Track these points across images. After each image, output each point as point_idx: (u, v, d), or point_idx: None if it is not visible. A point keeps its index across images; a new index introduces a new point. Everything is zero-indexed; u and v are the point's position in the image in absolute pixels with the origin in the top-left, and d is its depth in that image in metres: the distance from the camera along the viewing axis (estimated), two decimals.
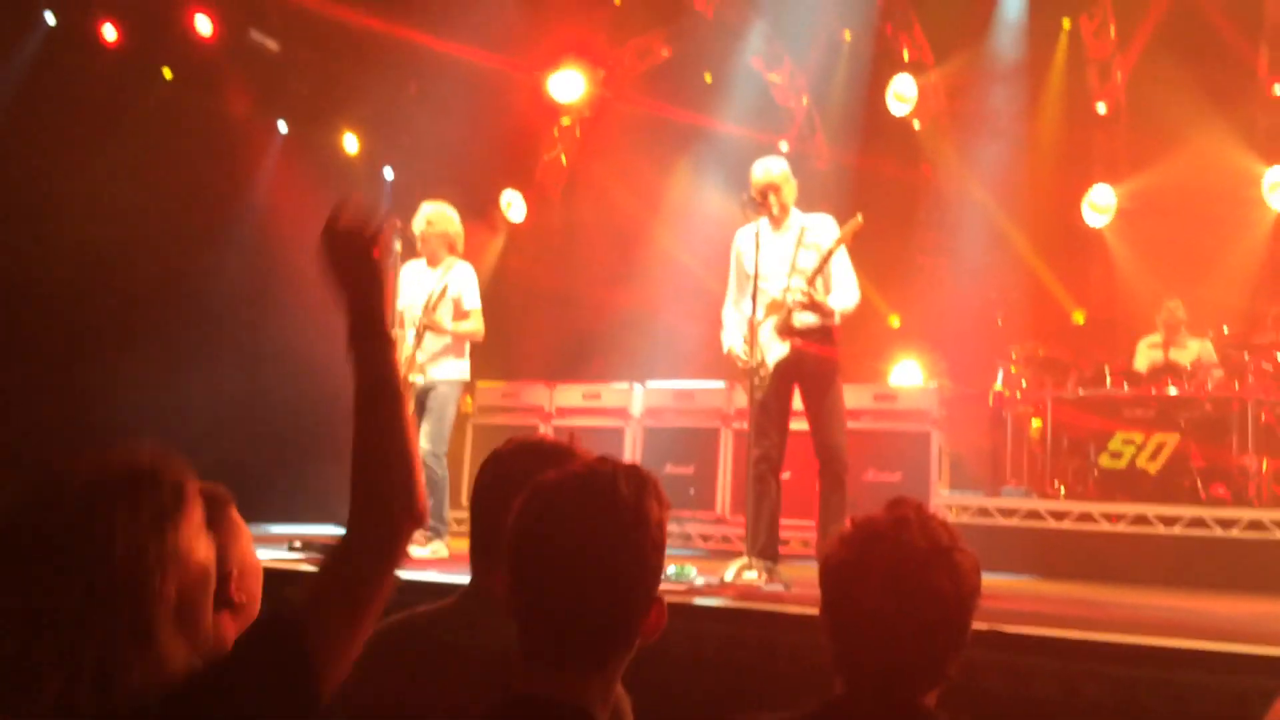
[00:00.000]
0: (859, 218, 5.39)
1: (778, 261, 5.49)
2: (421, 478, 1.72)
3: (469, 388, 6.80)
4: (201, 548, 1.62)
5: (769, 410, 5.45)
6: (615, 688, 1.64)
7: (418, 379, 6.32)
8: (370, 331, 1.74)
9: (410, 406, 6.30)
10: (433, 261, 6.48)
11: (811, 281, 5.40)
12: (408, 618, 2.18)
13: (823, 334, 5.50)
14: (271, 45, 9.41)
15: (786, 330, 5.43)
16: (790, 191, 5.60)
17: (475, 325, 6.43)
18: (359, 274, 1.75)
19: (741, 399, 5.96)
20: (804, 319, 5.44)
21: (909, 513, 1.81)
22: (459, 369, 6.46)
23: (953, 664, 1.79)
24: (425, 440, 6.20)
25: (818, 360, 5.46)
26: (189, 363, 7.82)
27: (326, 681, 1.56)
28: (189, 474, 1.64)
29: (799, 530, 6.53)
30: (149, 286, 8.14)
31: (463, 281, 6.44)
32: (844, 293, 5.51)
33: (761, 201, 5.51)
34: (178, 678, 1.50)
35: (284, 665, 1.53)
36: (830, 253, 5.40)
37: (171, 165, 8.40)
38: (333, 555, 1.66)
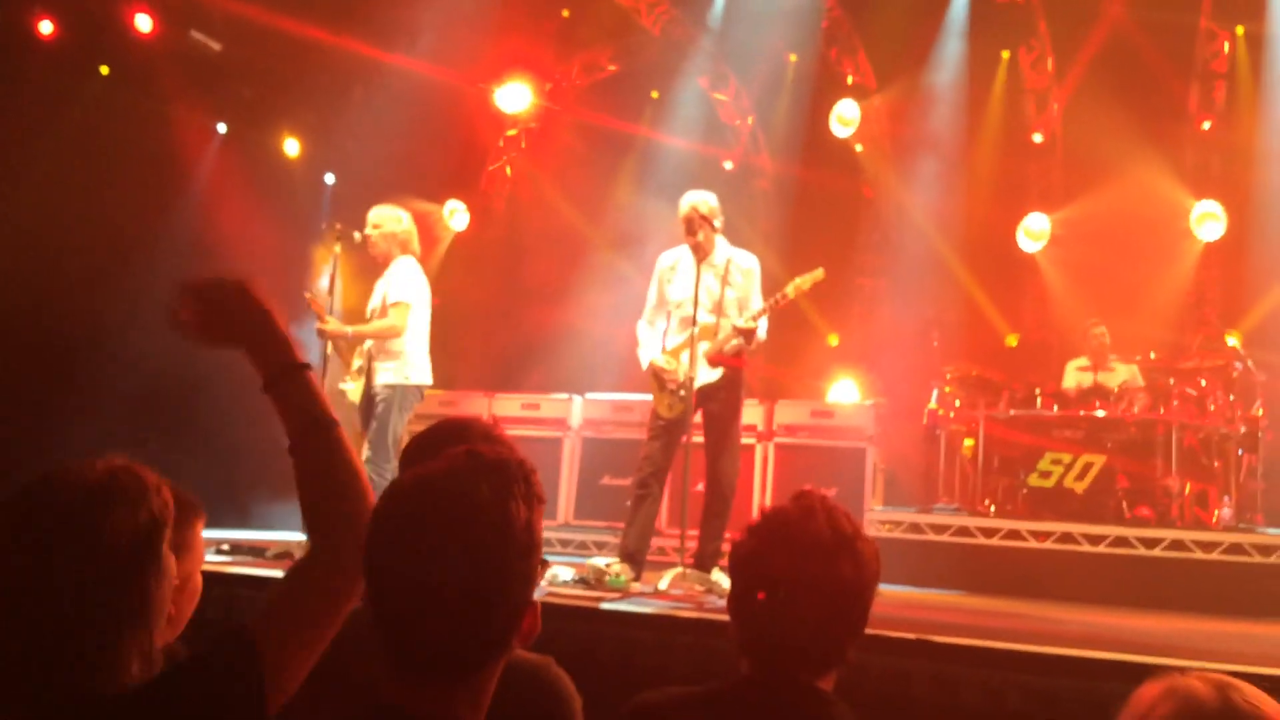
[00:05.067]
0: (820, 271, 5.58)
1: (702, 292, 5.60)
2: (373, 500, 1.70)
3: (417, 391, 6.24)
4: (173, 560, 1.65)
5: (674, 425, 5.55)
6: (487, 696, 1.53)
7: (348, 385, 6.15)
8: (282, 372, 1.73)
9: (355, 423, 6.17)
10: (384, 263, 6.25)
11: (756, 318, 5.57)
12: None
13: (739, 358, 5.70)
14: (213, 45, 9.28)
15: (718, 358, 5.56)
16: (716, 224, 5.70)
17: (389, 321, 6.03)
18: (245, 321, 1.73)
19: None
20: (733, 345, 5.62)
21: (814, 503, 1.87)
22: (397, 372, 6.09)
23: (851, 647, 1.86)
24: (366, 448, 5.94)
25: (730, 391, 5.62)
26: (114, 364, 7.66)
27: (275, 696, 1.56)
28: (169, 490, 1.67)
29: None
30: (78, 283, 7.96)
31: (395, 277, 6.15)
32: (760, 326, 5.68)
33: (686, 229, 5.65)
34: (133, 680, 1.52)
35: (236, 676, 1.53)
36: (784, 298, 5.56)
37: (106, 163, 8.24)
38: (293, 576, 1.67)
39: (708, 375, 5.59)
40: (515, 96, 10.65)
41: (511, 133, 11.81)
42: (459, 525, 1.45)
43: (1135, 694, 1.43)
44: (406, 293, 6.09)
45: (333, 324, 6.03)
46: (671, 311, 5.74)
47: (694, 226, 5.60)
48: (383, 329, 6.05)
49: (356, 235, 6.36)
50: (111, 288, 8.10)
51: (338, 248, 6.35)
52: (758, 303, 5.66)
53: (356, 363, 6.15)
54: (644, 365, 5.79)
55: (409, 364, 6.12)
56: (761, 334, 5.66)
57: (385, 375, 6.08)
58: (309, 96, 9.94)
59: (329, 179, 10.63)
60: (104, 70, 8.93)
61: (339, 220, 6.51)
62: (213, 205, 9.09)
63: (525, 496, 1.50)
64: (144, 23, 8.89)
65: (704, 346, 5.58)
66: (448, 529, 1.44)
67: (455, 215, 11.36)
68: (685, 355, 5.60)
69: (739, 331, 5.54)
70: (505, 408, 8.64)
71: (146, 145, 8.70)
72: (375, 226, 6.24)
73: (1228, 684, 1.38)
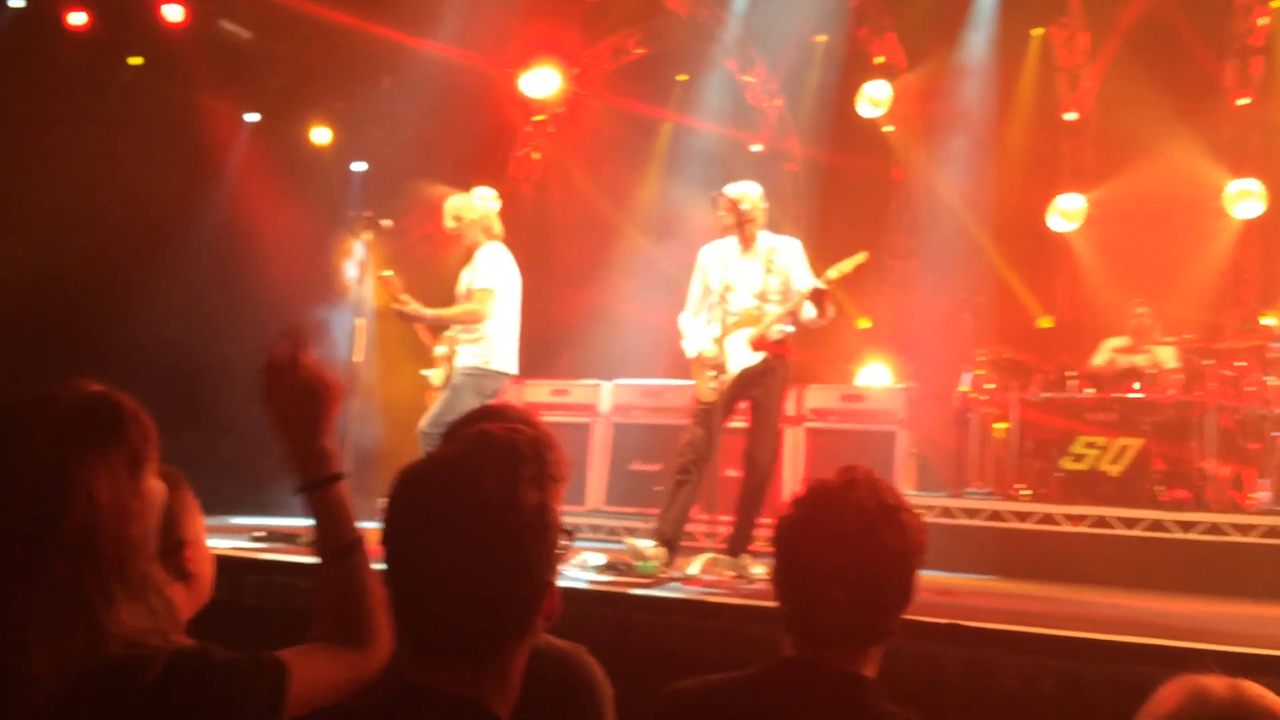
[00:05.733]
0: (863, 255, 5.53)
1: (745, 282, 5.60)
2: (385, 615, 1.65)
3: (498, 377, 6.05)
4: (159, 487, 1.59)
5: (715, 409, 5.53)
6: (515, 677, 1.53)
7: (431, 371, 6.12)
8: (316, 479, 1.68)
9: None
10: (470, 251, 6.14)
11: (799, 307, 5.55)
12: None
13: (784, 345, 5.69)
14: (243, 35, 9.33)
15: (762, 342, 5.53)
16: (760, 216, 5.71)
17: (471, 305, 5.94)
18: (305, 414, 1.69)
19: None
20: (779, 329, 5.61)
21: (858, 475, 1.86)
22: (473, 355, 5.97)
23: (898, 619, 1.84)
24: (425, 419, 5.86)
25: (774, 377, 5.60)
26: (142, 351, 7.73)
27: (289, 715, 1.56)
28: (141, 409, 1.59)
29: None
30: (108, 271, 8.04)
31: (480, 263, 6.06)
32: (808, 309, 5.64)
33: (725, 219, 5.65)
34: (163, 648, 1.47)
35: (264, 682, 1.51)
36: (829, 285, 5.50)
37: (137, 153, 8.31)
38: (324, 646, 1.65)
39: (748, 359, 5.57)
40: (542, 81, 10.62)
41: (539, 118, 11.79)
42: (465, 509, 1.45)
43: (1153, 696, 1.44)
44: (491, 279, 6.00)
45: (413, 305, 5.97)
46: (714, 304, 5.73)
47: (733, 216, 5.61)
48: (463, 313, 5.97)
49: (386, 222, 6.37)
50: (142, 276, 8.19)
51: (367, 236, 6.35)
52: (805, 279, 5.61)
53: (440, 349, 6.12)
54: (691, 354, 5.77)
55: (491, 349, 5.99)
56: (811, 315, 5.57)
57: (466, 358, 5.99)
58: (338, 85, 9.99)
59: (358, 167, 10.68)
60: (135, 61, 9.01)
61: (368, 208, 6.51)
62: (243, 194, 9.16)
63: (536, 477, 1.49)
64: (174, 13, 8.96)
65: (747, 332, 5.57)
66: (454, 513, 1.45)
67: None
68: (727, 342, 5.59)
69: (794, 307, 5.49)
70: (535, 393, 8.65)
71: (177, 135, 8.78)
72: (456, 219, 6.13)
73: (1241, 683, 1.40)
